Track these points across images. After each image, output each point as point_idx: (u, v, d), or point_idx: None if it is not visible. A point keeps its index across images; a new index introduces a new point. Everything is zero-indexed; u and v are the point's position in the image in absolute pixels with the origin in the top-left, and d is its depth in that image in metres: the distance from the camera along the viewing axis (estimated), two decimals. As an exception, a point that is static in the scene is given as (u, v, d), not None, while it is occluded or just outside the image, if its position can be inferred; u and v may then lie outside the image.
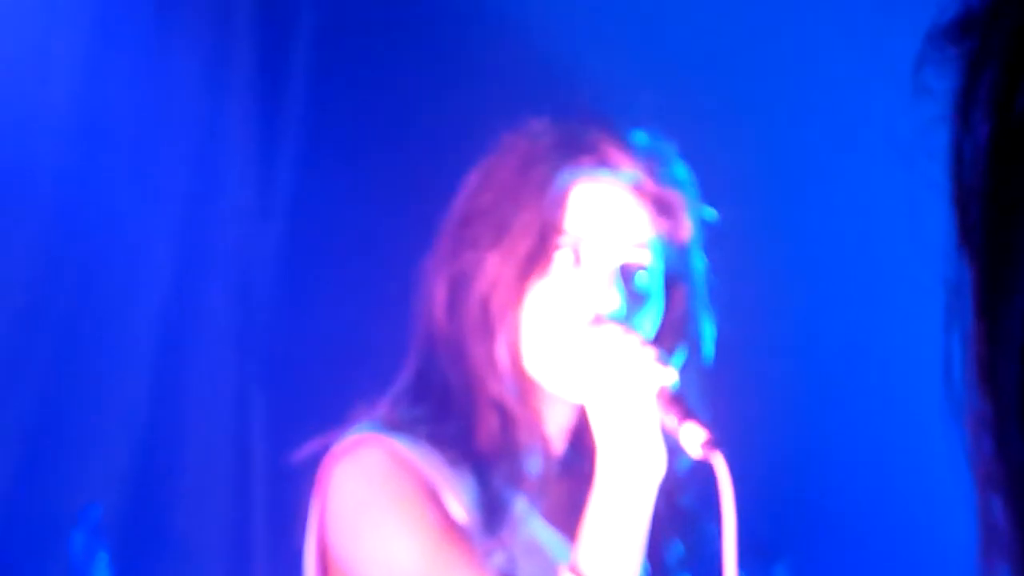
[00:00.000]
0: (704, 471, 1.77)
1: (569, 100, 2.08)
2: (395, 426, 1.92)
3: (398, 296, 2.01)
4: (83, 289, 3.15)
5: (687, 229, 1.96)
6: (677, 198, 1.96)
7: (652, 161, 1.95)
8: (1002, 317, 0.69)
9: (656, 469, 1.80)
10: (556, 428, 1.96)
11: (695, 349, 1.97)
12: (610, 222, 1.92)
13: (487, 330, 1.90)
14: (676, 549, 1.96)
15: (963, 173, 0.71)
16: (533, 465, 1.92)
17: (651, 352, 1.81)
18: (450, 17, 3.27)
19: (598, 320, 1.87)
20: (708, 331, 1.98)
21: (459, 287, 1.93)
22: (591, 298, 1.89)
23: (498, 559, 1.87)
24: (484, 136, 2.01)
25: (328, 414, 1.98)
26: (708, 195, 2.00)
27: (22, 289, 3.11)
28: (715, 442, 1.75)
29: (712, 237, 2.00)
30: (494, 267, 1.90)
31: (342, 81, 3.32)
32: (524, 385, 1.91)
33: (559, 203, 1.90)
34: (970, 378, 0.72)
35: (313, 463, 1.97)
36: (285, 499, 2.10)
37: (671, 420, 1.78)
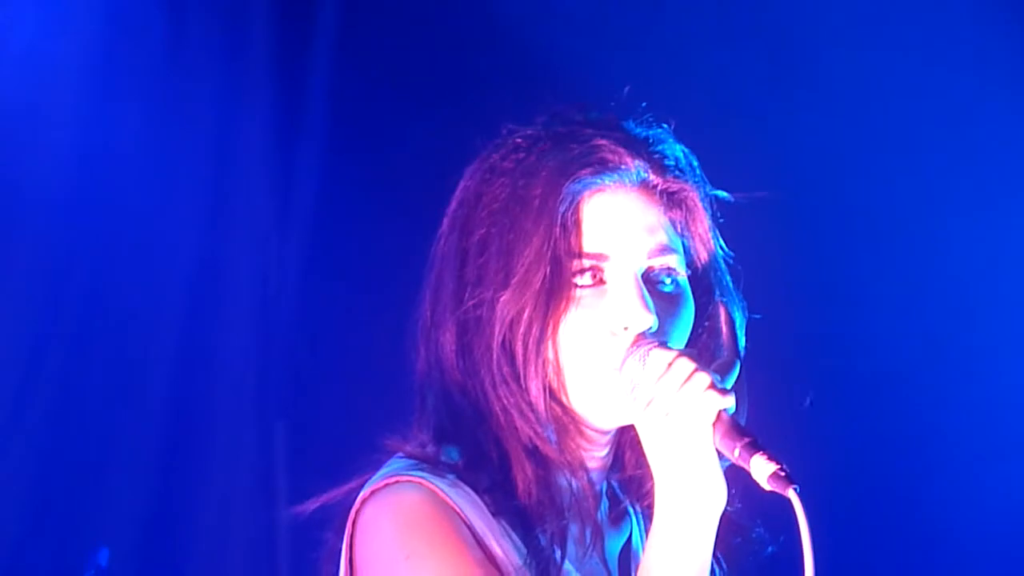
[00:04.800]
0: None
1: (562, 91, 1.87)
2: (430, 467, 1.72)
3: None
4: (93, 313, 3.02)
5: (702, 217, 1.79)
6: (686, 185, 1.77)
7: (653, 150, 1.76)
8: None
9: (718, 500, 1.63)
10: (596, 464, 1.79)
11: (740, 358, 1.77)
12: (627, 231, 1.73)
13: (513, 376, 1.71)
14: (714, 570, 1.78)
15: None
16: (577, 513, 1.74)
17: (705, 378, 1.61)
18: (465, 19, 3.15)
19: (638, 343, 1.67)
20: (742, 329, 1.81)
21: (470, 333, 1.74)
22: (622, 318, 1.69)
23: None
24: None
25: (354, 445, 1.78)
26: (713, 174, 1.82)
27: (31, 312, 2.99)
28: (789, 476, 1.56)
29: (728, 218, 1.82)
30: (509, 307, 1.70)
31: (361, 90, 3.20)
32: (561, 425, 1.73)
33: (570, 225, 1.71)
34: None
35: (338, 503, 1.78)
36: (309, 544, 1.91)
37: (734, 450, 1.59)
